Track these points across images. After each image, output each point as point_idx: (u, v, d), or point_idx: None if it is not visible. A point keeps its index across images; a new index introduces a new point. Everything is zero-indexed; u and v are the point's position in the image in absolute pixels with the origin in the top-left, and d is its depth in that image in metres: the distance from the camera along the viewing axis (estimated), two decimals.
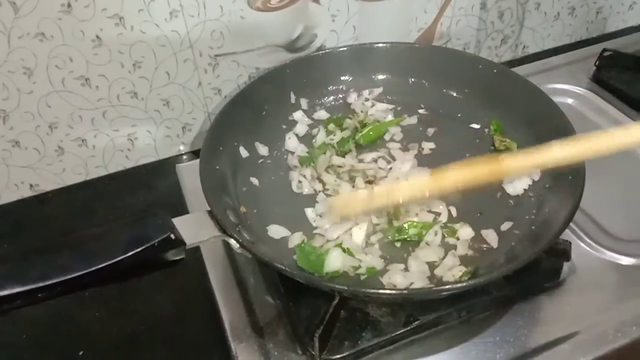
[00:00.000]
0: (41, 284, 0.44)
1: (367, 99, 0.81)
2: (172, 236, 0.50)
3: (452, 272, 0.57)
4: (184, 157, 0.87)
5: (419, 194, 0.59)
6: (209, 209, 0.56)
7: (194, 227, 0.53)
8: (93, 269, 0.46)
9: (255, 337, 0.59)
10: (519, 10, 0.97)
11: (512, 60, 1.04)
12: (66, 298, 0.66)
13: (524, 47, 1.04)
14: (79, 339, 0.64)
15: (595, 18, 1.06)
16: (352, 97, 0.82)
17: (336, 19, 0.83)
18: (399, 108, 0.81)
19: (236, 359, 0.57)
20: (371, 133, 0.76)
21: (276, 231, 0.64)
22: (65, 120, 0.76)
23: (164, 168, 0.84)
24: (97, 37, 0.70)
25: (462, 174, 0.57)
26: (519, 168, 0.58)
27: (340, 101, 0.83)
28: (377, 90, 0.83)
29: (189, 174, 0.80)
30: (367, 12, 0.84)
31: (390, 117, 0.79)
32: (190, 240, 0.51)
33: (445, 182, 0.57)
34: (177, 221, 0.52)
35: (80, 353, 0.62)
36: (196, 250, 0.68)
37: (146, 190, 0.82)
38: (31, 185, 0.80)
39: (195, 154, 0.87)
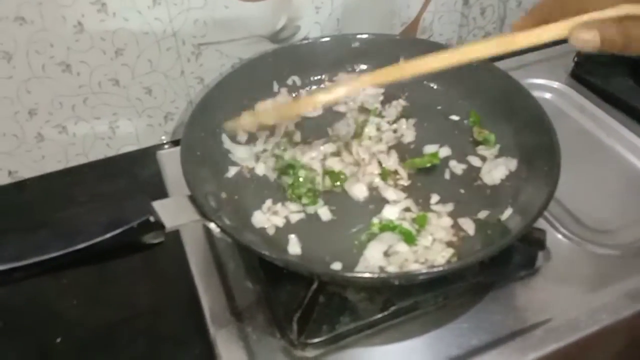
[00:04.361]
0: (16, 264, 0.44)
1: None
2: (152, 219, 0.50)
3: None
4: (166, 146, 0.86)
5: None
6: (189, 194, 0.56)
7: (173, 211, 0.53)
8: (71, 249, 0.46)
9: (234, 322, 0.59)
10: (501, 7, 0.99)
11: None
12: (43, 284, 0.66)
13: None
14: (57, 326, 0.63)
15: None
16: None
17: (320, 11, 0.83)
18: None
19: (215, 343, 0.57)
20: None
21: (259, 220, 0.64)
22: (45, 107, 0.75)
23: (146, 157, 0.83)
24: (79, 23, 0.69)
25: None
26: None
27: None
28: None
29: (170, 161, 0.80)
30: (351, 5, 0.84)
31: (378, 103, 0.80)
32: (169, 223, 0.51)
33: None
34: (157, 204, 0.52)
35: (58, 340, 0.62)
36: (177, 236, 0.68)
37: (127, 178, 0.81)
38: (10, 172, 0.79)
39: (177, 143, 0.86)
